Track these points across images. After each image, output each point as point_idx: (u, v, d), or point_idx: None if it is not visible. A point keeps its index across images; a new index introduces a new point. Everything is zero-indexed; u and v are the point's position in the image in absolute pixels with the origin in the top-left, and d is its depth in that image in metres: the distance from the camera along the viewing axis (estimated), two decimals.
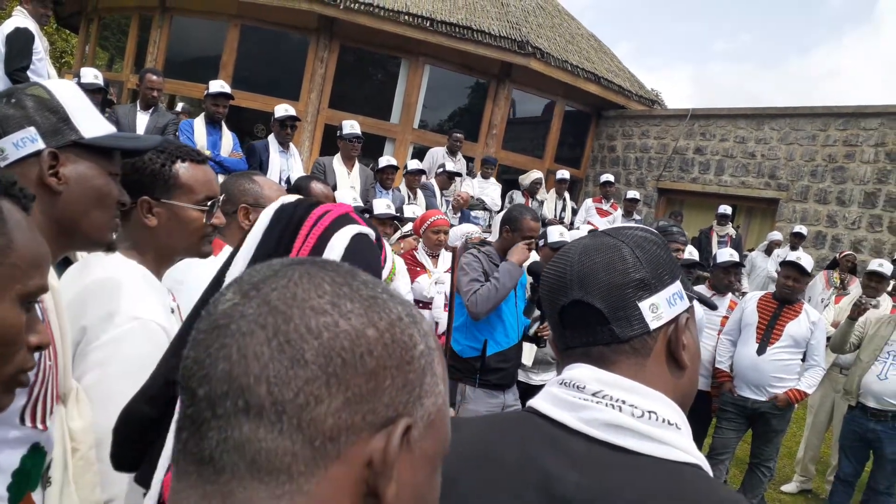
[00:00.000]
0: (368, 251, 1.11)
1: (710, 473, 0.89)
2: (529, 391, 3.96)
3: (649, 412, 0.85)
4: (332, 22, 9.88)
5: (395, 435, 0.50)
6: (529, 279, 3.78)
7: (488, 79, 11.03)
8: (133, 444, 1.12)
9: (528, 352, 3.79)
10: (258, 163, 5.72)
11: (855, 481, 4.66)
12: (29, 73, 4.73)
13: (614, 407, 0.85)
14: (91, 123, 1.22)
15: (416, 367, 0.53)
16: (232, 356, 0.49)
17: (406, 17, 9.71)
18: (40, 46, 4.94)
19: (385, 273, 1.31)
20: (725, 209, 9.08)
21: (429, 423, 0.53)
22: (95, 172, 1.22)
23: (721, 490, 0.90)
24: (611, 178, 9.49)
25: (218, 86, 5.79)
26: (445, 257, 4.72)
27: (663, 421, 0.85)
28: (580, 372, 0.91)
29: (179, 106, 9.99)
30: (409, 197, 6.67)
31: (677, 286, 0.93)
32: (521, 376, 3.89)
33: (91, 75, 5.95)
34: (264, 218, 1.18)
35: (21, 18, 4.88)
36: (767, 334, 4.47)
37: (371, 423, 0.50)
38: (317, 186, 3.68)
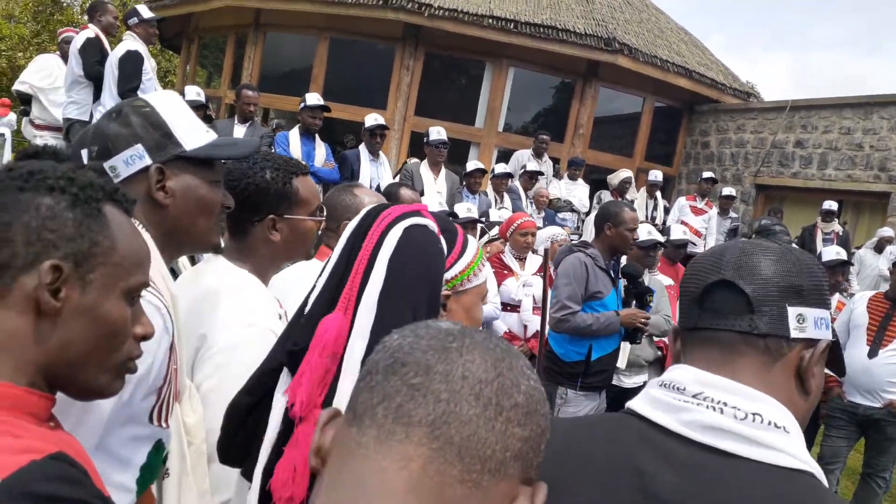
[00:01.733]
0: (423, 240, 1.13)
1: (825, 482, 0.85)
2: (622, 394, 3.91)
3: (754, 414, 0.82)
4: (417, 29, 10.03)
5: (537, 497, 0.62)
6: (624, 282, 3.73)
7: (574, 78, 10.89)
8: (236, 437, 1.18)
9: (623, 354, 3.73)
10: (350, 172, 5.89)
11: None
12: (139, 92, 5.06)
13: (715, 409, 0.83)
14: (192, 135, 1.29)
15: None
16: (440, 399, 0.57)
17: (490, 21, 9.73)
18: (149, 66, 5.28)
19: (466, 261, 1.34)
20: (830, 205, 8.59)
21: None
22: (199, 182, 1.30)
23: (832, 501, 0.86)
24: (712, 174, 9.17)
25: (315, 98, 6.00)
26: (533, 260, 4.71)
27: (769, 423, 0.82)
28: (681, 373, 0.90)
29: (275, 121, 10.41)
30: (496, 201, 6.68)
31: (826, 314, 0.89)
32: (613, 379, 3.84)
33: (193, 93, 6.30)
34: (350, 226, 1.24)
35: (131, 41, 5.24)
36: (879, 336, 4.20)
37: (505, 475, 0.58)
38: (406, 192, 3.77)
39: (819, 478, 0.83)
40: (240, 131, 6.09)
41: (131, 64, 5.08)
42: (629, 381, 3.95)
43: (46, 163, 0.88)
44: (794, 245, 0.99)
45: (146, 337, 0.96)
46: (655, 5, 12.97)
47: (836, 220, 8.69)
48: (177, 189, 1.27)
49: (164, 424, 1.17)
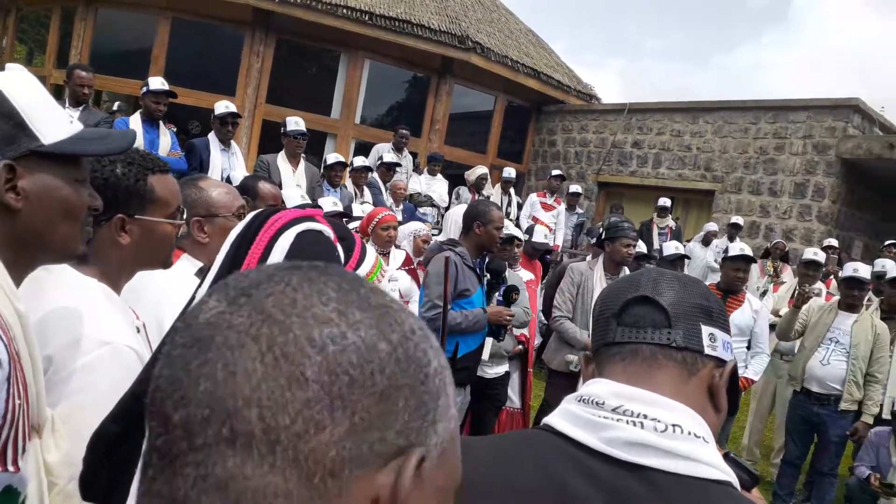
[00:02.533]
0: (318, 247, 1.05)
1: (739, 488, 0.87)
2: (485, 385, 4.00)
3: (674, 425, 0.81)
4: (267, 15, 9.62)
5: (406, 469, 0.42)
6: (487, 276, 3.77)
7: (429, 73, 10.97)
8: (102, 470, 1.02)
9: (486, 348, 3.79)
10: (199, 162, 5.50)
11: (801, 464, 4.83)
12: None
13: (636, 423, 0.82)
14: (52, 126, 1.06)
15: (430, 387, 0.45)
16: (216, 374, 0.40)
17: (344, 10, 9.54)
18: None
19: (366, 269, 1.25)
20: (665, 201, 9.30)
21: (441, 452, 0.46)
22: (60, 182, 1.08)
23: None
24: (561, 172, 9.59)
25: (158, 83, 5.54)
26: (396, 255, 4.65)
27: (689, 433, 0.82)
28: (598, 387, 0.88)
29: (116, 104, 9.55)
30: (356, 195, 6.55)
31: (730, 339, 0.95)
32: (477, 371, 3.91)
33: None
34: (232, 234, 1.11)
35: None
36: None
37: (379, 454, 0.42)
38: (264, 186, 3.56)
39: (735, 485, 0.84)
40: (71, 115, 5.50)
41: None
42: (491, 372, 4.06)
43: None
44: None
45: None
46: (505, 6, 13.38)
47: (670, 215, 9.42)
48: (31, 190, 1.04)
49: (11, 468, 0.96)
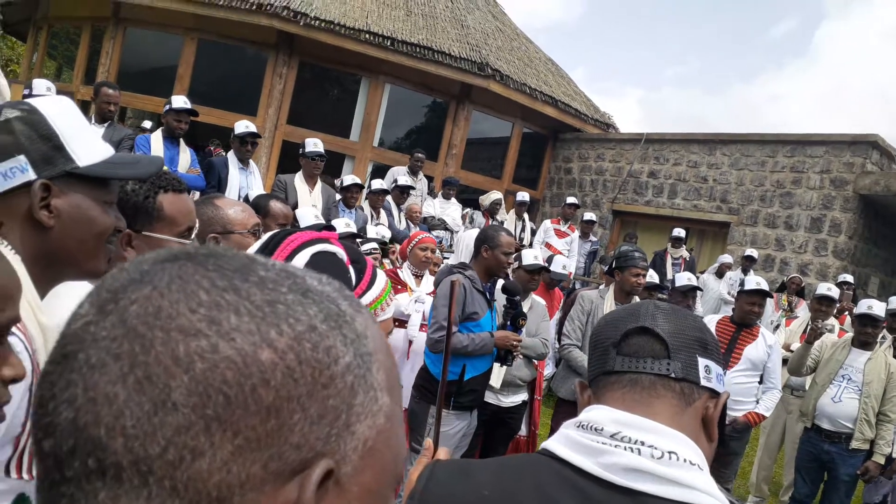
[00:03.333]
0: (332, 268, 1.08)
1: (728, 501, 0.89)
2: (500, 413, 3.97)
3: (670, 452, 0.84)
4: (291, 38, 9.81)
5: (308, 485, 0.38)
6: (503, 299, 3.79)
7: (448, 99, 11.09)
8: None
9: (497, 374, 3.79)
10: (217, 179, 5.59)
11: (810, 502, 4.76)
12: None
13: (633, 450, 0.84)
14: (86, 149, 1.13)
15: (338, 388, 0.40)
16: (77, 399, 0.37)
17: (367, 36, 9.70)
18: None
19: (374, 294, 1.28)
20: (679, 232, 9.29)
21: (367, 452, 0.42)
22: (91, 203, 1.14)
23: None
24: (576, 200, 9.61)
25: (181, 101, 5.65)
26: (428, 279, 4.70)
27: (685, 461, 0.84)
28: (598, 413, 0.90)
29: (147, 123, 9.74)
30: (371, 217, 6.61)
31: (722, 373, 0.98)
32: (492, 398, 3.90)
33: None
34: (249, 252, 1.15)
35: None
36: (726, 357, 4.54)
37: (276, 473, 0.38)
38: (276, 205, 3.62)
39: None
40: (97, 132, 5.62)
41: None
42: (507, 401, 4.01)
43: None
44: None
45: (16, 379, 0.83)
46: (525, 35, 13.52)
47: (684, 246, 9.40)
48: (64, 209, 1.10)
49: (26, 476, 1.00)
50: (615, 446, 0.85)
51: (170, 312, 0.38)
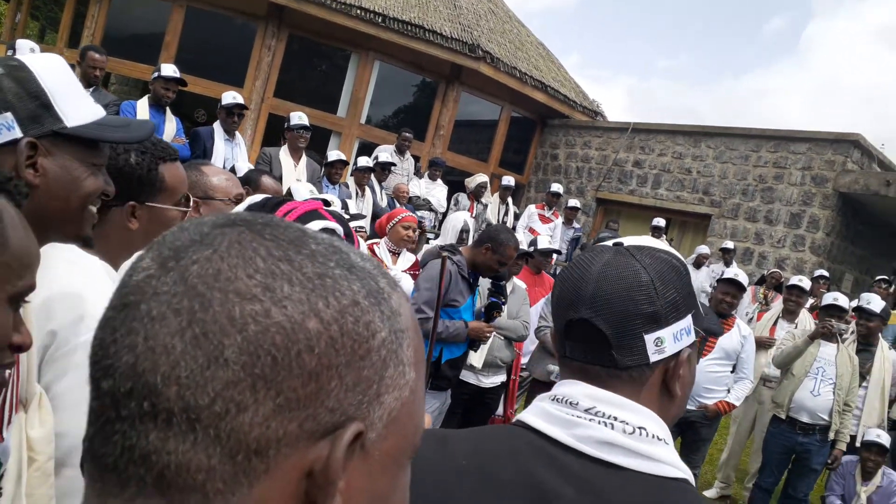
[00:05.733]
0: None
1: (695, 484, 0.93)
2: (479, 393, 4.02)
3: (639, 428, 0.88)
4: (281, 10, 9.69)
5: (339, 445, 0.41)
6: (487, 283, 3.82)
7: (437, 79, 11.04)
8: None
9: (479, 355, 3.83)
10: (202, 149, 5.55)
11: (773, 489, 4.89)
12: None
13: (606, 424, 0.88)
14: (76, 109, 1.12)
15: (373, 360, 0.43)
16: (138, 346, 0.40)
17: (358, 11, 9.61)
18: None
19: None
20: (659, 221, 9.38)
21: (391, 421, 0.45)
22: (78, 165, 1.13)
23: (702, 502, 0.94)
24: (559, 188, 9.63)
25: (171, 70, 5.60)
26: (406, 257, 4.68)
27: (653, 436, 0.88)
28: (572, 388, 0.93)
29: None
30: (356, 193, 6.61)
31: (687, 321, 0.93)
32: (471, 378, 3.95)
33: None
34: None
35: None
36: (700, 346, 4.61)
37: (311, 432, 0.41)
38: (267, 181, 3.62)
39: (692, 482, 0.90)
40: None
41: None
42: (487, 381, 4.06)
43: None
44: (679, 260, 1.00)
45: (22, 347, 0.84)
46: (518, 18, 13.47)
47: (664, 236, 9.49)
48: (50, 169, 1.10)
49: (6, 434, 1.01)
50: (589, 420, 0.88)
51: (228, 276, 0.41)
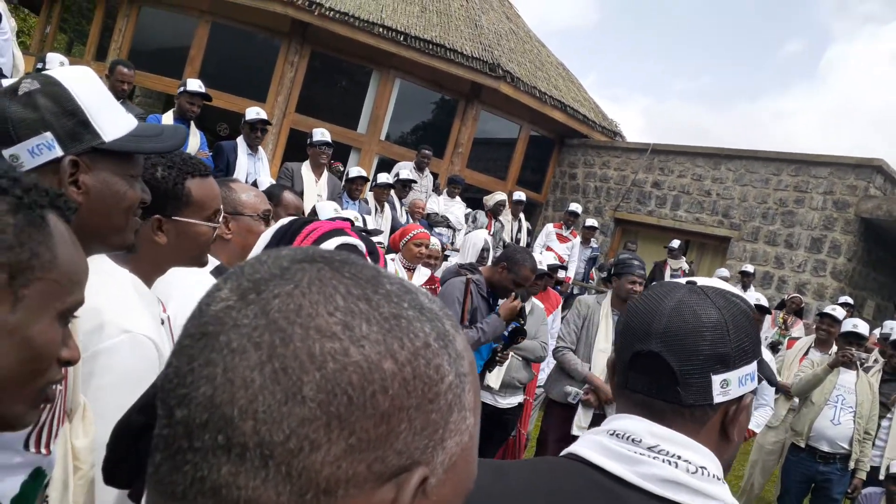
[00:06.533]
0: None
1: None
2: (496, 414, 4.00)
3: (701, 467, 0.87)
4: (304, 26, 9.81)
5: (407, 489, 0.41)
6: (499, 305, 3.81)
7: (457, 97, 11.10)
8: (126, 458, 1.07)
9: (496, 375, 3.81)
10: (225, 163, 5.62)
11: None
12: None
13: (670, 463, 0.87)
14: (112, 123, 1.13)
15: (440, 404, 0.43)
16: (216, 378, 0.40)
17: (380, 29, 9.71)
18: (7, 25, 4.77)
19: None
20: (674, 243, 9.32)
21: (450, 466, 0.44)
22: (116, 178, 1.15)
23: None
24: (578, 208, 9.61)
25: (196, 84, 5.69)
26: (421, 273, 4.68)
27: (713, 476, 0.88)
28: (633, 424, 0.92)
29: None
30: (376, 210, 6.64)
31: (752, 367, 0.94)
32: (489, 399, 3.92)
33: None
34: (263, 239, 1.17)
35: None
36: None
37: (378, 474, 0.41)
38: (288, 196, 3.64)
39: None
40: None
41: None
42: (504, 402, 4.04)
43: None
44: (749, 306, 1.00)
45: (71, 362, 0.84)
46: (538, 38, 13.53)
47: (683, 257, 9.42)
48: (91, 185, 1.11)
49: (44, 451, 1.02)
50: (653, 458, 0.88)
51: (310, 312, 0.41)
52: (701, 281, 1.00)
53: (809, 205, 9.26)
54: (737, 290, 1.01)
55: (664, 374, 0.91)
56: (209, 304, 0.43)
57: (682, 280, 0.99)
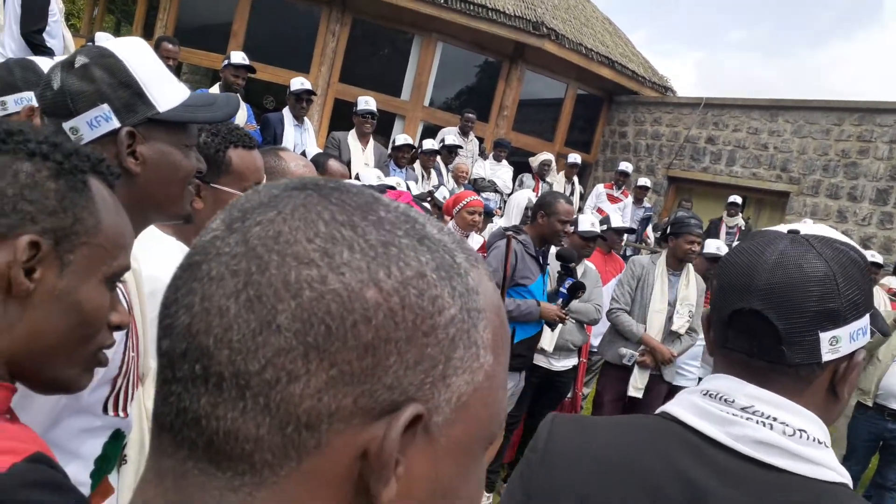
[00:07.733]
0: None
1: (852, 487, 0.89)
2: (550, 376, 3.98)
3: (800, 430, 0.83)
4: None
5: (396, 425, 0.39)
6: (557, 266, 3.77)
7: (501, 59, 10.91)
8: None
9: (550, 338, 3.78)
10: (272, 135, 5.67)
11: (860, 478, 4.69)
12: (45, 36, 4.65)
13: (765, 424, 0.83)
14: (165, 94, 1.14)
15: (438, 338, 0.40)
16: (194, 307, 0.39)
17: None
18: (55, 7, 4.85)
19: None
20: (735, 198, 9.05)
21: (461, 406, 0.42)
22: (172, 148, 1.16)
23: None
24: (629, 167, 9.40)
25: (240, 57, 5.73)
26: (474, 240, 4.67)
27: (814, 440, 0.83)
28: (728, 384, 0.88)
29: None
30: (422, 176, 6.62)
31: (865, 321, 0.86)
32: (542, 361, 3.91)
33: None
34: None
35: None
36: None
37: (366, 409, 0.39)
38: (334, 164, 3.65)
39: (850, 486, 0.86)
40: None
41: (38, 2, 4.64)
42: (558, 365, 4.02)
43: (24, 123, 0.76)
44: (862, 256, 0.89)
45: (121, 326, 0.86)
46: None
47: (740, 214, 9.15)
48: (148, 155, 1.12)
49: (122, 414, 1.07)
50: (747, 419, 0.84)
51: (288, 238, 0.39)
52: (805, 229, 0.91)
53: (875, 155, 8.84)
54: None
55: (767, 332, 0.85)
56: (201, 237, 0.42)
57: (783, 228, 0.92)
